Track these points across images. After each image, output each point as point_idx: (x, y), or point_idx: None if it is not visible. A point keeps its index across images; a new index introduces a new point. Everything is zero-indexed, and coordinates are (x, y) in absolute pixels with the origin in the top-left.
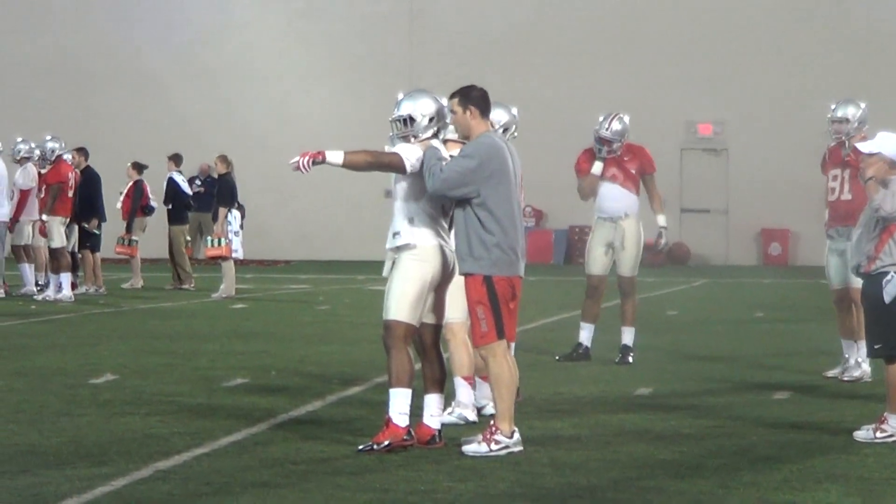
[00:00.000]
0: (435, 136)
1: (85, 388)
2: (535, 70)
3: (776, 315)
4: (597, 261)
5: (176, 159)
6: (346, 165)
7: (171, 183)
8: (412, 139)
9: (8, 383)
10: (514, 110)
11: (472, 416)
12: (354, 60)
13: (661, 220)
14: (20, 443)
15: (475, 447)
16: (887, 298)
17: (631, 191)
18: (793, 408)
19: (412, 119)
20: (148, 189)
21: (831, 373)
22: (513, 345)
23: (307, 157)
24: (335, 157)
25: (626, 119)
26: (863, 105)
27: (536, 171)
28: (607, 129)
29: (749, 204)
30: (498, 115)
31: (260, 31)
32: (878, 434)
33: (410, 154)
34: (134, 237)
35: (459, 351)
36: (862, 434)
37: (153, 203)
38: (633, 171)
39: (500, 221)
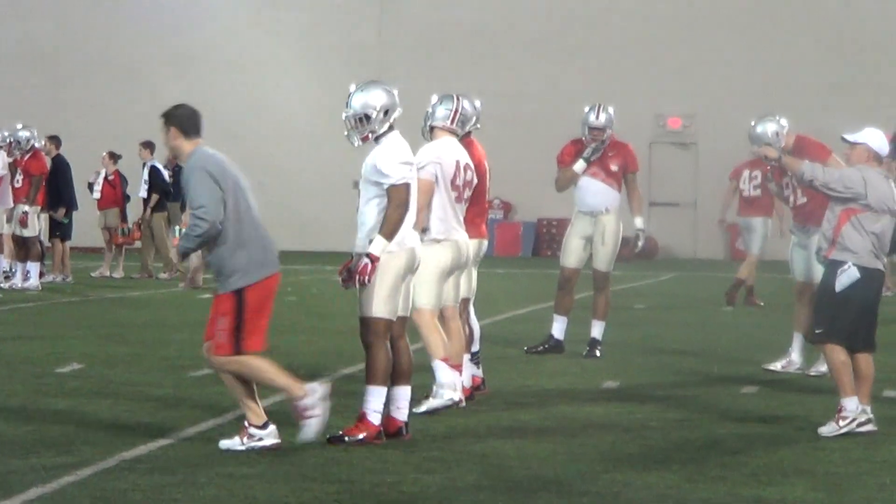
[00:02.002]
0: (391, 128)
1: (51, 377)
2: (504, 62)
3: (744, 309)
4: (573, 253)
5: (150, 147)
6: (392, 237)
7: (154, 171)
8: (370, 135)
9: None
10: (478, 103)
11: (457, 396)
12: (325, 50)
13: (639, 222)
14: None
15: (230, 442)
16: (838, 287)
17: (612, 186)
18: (760, 402)
19: (367, 116)
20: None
21: (772, 366)
22: None
23: (366, 276)
24: (379, 246)
25: (612, 110)
26: (785, 122)
27: (505, 164)
28: (597, 118)
29: (718, 198)
30: (461, 107)
31: (231, 20)
32: (841, 423)
33: (395, 172)
34: (129, 226)
35: (433, 335)
36: (826, 429)
37: (127, 192)
38: (616, 168)
39: (253, 225)
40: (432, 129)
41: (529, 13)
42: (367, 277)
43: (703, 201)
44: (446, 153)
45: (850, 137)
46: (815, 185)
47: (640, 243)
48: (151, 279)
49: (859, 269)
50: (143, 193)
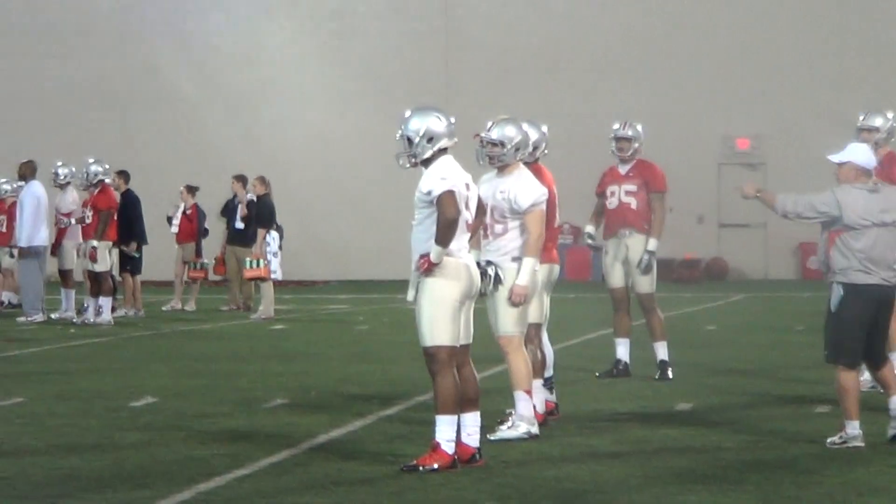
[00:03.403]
0: (442, 153)
1: (125, 411)
2: (571, 86)
3: (816, 328)
4: (614, 274)
5: (243, 180)
6: (445, 244)
7: (238, 203)
8: (414, 159)
9: (49, 407)
10: (545, 128)
11: (535, 430)
12: (389, 80)
13: (651, 243)
14: (62, 466)
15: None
16: (832, 308)
17: (633, 207)
18: (834, 421)
19: (409, 140)
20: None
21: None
22: None
23: (424, 268)
24: (437, 255)
25: (640, 127)
26: (891, 115)
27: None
28: (623, 129)
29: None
30: (529, 134)
31: (293, 53)
32: (836, 438)
33: (436, 185)
34: (205, 260)
35: (518, 364)
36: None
37: (206, 225)
38: (636, 188)
39: None
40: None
41: (595, 36)
42: (425, 269)
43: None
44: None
45: (835, 158)
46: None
47: (642, 265)
48: (240, 311)
49: (846, 286)
50: (240, 224)
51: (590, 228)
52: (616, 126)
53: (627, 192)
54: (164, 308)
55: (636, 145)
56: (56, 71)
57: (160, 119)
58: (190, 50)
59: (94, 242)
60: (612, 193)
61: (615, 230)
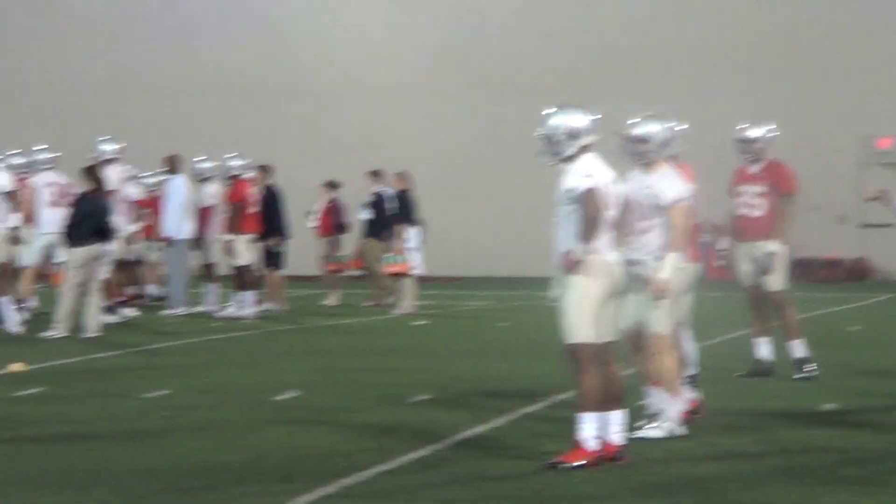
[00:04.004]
0: (585, 151)
1: (268, 405)
2: (709, 83)
3: None
4: (743, 272)
5: (377, 175)
6: (588, 241)
7: (379, 197)
8: (557, 156)
9: (192, 400)
10: (683, 126)
11: (679, 430)
12: (529, 77)
13: (774, 245)
14: (205, 459)
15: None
16: None
17: (763, 208)
18: None
19: (551, 138)
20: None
21: None
22: None
23: (570, 265)
24: (581, 253)
25: (765, 128)
26: None
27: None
28: (747, 131)
29: None
30: (650, 129)
31: (431, 48)
32: None
33: (579, 182)
34: (342, 254)
35: (668, 364)
36: None
37: (348, 220)
38: (765, 189)
39: None
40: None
41: (732, 33)
42: (570, 266)
43: None
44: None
45: None
46: None
47: (762, 266)
48: (381, 306)
49: None
50: (370, 217)
51: (724, 241)
52: (739, 127)
53: (756, 194)
54: (324, 303)
55: (760, 146)
56: (199, 66)
57: (302, 113)
58: (330, 44)
59: (229, 236)
60: (742, 194)
61: (743, 230)
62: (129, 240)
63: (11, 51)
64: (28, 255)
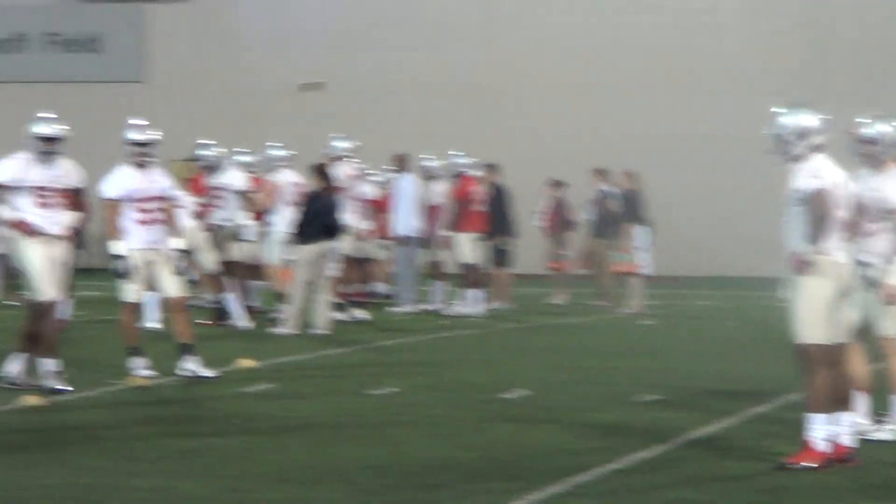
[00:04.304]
0: (816, 151)
1: (497, 403)
2: None
3: None
4: None
5: (602, 173)
6: (815, 243)
7: (604, 196)
8: (786, 155)
9: (422, 398)
10: None
11: None
12: (757, 76)
13: None
14: (436, 456)
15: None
16: None
17: None
18: None
19: (780, 137)
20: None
21: None
22: None
23: (801, 267)
24: (810, 254)
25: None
26: None
27: None
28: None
29: None
30: (881, 129)
31: (664, 46)
32: None
33: (805, 184)
34: (566, 253)
35: (894, 367)
36: None
37: (574, 218)
38: None
39: None
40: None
41: None
42: (799, 267)
43: None
44: None
45: None
46: None
47: None
48: (608, 306)
49: None
50: (590, 215)
51: None
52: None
53: None
54: (549, 302)
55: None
56: (427, 64)
57: (530, 113)
58: (555, 43)
59: (449, 233)
60: None
61: None
62: (362, 237)
63: (245, 53)
64: (271, 253)
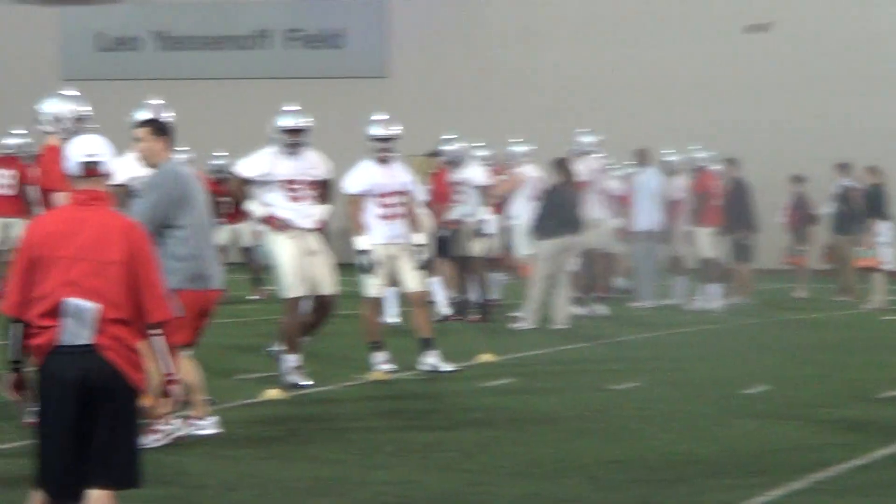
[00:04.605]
0: None
1: (738, 398)
2: None
3: None
4: None
5: (844, 168)
6: None
7: (846, 191)
8: None
9: (661, 393)
10: None
11: None
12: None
13: None
14: (676, 451)
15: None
16: None
17: None
18: None
19: None
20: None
21: None
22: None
23: None
24: None
25: None
26: None
27: None
28: None
29: None
30: None
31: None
32: None
33: None
34: (802, 247)
35: None
36: None
37: (815, 213)
38: None
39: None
40: None
41: None
42: None
43: None
44: None
45: None
46: None
47: None
48: (850, 300)
49: None
50: (831, 209)
51: None
52: None
53: None
54: (793, 295)
55: None
56: (668, 60)
57: (772, 106)
58: (796, 37)
59: (692, 228)
60: None
61: None
62: (613, 233)
63: (488, 47)
64: (522, 247)
